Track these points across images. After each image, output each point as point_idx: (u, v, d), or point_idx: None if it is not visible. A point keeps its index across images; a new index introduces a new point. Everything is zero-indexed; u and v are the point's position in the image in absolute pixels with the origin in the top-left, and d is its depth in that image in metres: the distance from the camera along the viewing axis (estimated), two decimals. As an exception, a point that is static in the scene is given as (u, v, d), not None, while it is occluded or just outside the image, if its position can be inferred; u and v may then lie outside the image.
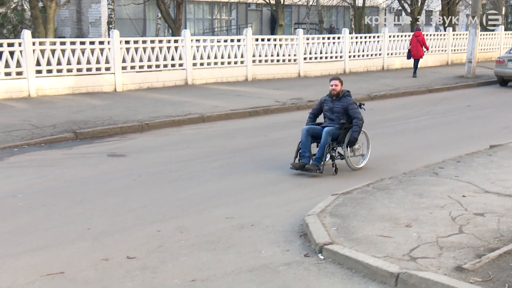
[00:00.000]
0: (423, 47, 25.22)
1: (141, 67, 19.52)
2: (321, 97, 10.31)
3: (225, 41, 22.20)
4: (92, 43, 18.58)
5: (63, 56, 17.72)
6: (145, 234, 6.98)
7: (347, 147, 9.72)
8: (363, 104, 10.33)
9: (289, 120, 15.43)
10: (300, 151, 9.72)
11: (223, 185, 9.08)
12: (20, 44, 16.82)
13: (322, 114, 10.27)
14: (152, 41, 20.11)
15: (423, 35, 26.19)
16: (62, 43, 17.95)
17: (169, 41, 20.50)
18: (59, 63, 17.66)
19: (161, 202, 8.22)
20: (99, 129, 13.24)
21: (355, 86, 21.40)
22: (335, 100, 9.90)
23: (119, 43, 18.78)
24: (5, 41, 17.00)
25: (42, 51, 17.29)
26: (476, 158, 9.80)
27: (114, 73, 18.70)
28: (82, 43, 18.38)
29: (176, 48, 20.42)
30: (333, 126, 9.71)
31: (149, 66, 19.76)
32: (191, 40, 20.80)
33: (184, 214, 7.72)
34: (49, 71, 17.48)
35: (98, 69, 18.47)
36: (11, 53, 16.69)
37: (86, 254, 6.38)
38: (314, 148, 9.89)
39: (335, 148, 9.79)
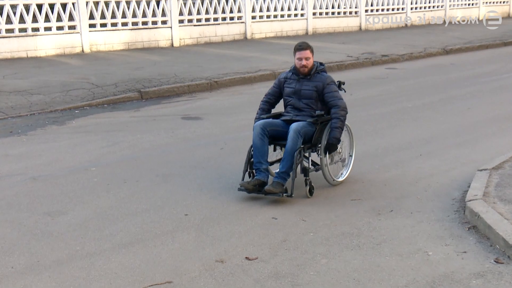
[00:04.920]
0: None
1: (198, 20, 17.75)
2: (281, 74, 6.52)
3: (285, -8, 20.22)
4: (147, -6, 16.84)
5: (118, 9, 16.03)
6: (259, 222, 5.37)
7: (325, 153, 6.10)
8: (343, 84, 6.47)
9: (368, 76, 13.68)
10: (253, 160, 6.04)
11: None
12: (72, -4, 15.16)
13: (282, 99, 6.52)
14: (210, -8, 18.26)
15: None
16: (117, -6, 16.24)
17: (227, -8, 18.63)
18: (113, 16, 15.99)
19: (264, 178, 6.56)
20: (165, 87, 11.62)
21: (425, 39, 19.52)
22: (303, 79, 6.21)
23: (176, -6, 17.01)
24: (56, -7, 15.35)
25: (96, 3, 15.62)
26: None
27: (171, 27, 16.98)
28: (137, -6, 16.66)
29: (234, 0, 18.55)
30: (303, 120, 6.06)
31: (207, 20, 17.98)
32: (250, -9, 18.91)
33: (297, 193, 6.01)
34: (103, 25, 15.81)
35: (154, 22, 16.77)
36: (63, 6, 15.04)
37: (193, 252, 4.78)
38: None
39: (307, 156, 6.17)
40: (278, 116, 6.36)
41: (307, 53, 6.14)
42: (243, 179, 6.00)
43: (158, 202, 5.84)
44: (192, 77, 12.47)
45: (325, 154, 6.06)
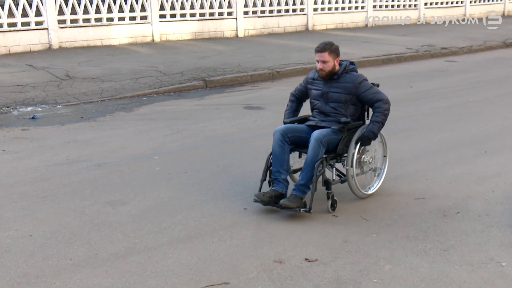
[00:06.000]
0: None
1: (262, 12, 17.24)
2: (310, 72, 5.52)
3: (346, -15, 19.42)
4: (214, -13, 16.40)
5: (186, 0, 15.68)
6: (319, 220, 4.86)
7: (356, 144, 5.06)
8: (377, 86, 5.34)
9: (428, 69, 12.85)
10: (272, 169, 5.13)
11: (392, 149, 6.74)
12: (144, -12, 14.89)
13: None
14: (274, -15, 17.67)
15: None
16: (186, -13, 15.87)
17: (290, -15, 17.98)
18: (182, 7, 15.65)
19: (324, 172, 6.02)
20: (229, 77, 11.18)
21: (484, 32, 18.42)
22: (330, 80, 5.19)
23: (241, -13, 16.51)
24: (129, -15, 15.12)
25: (166, -5, 15.33)
26: None
27: (236, 18, 16.52)
28: (205, -14, 16.26)
29: (297, -8, 17.94)
30: (328, 126, 5.11)
31: (271, 11, 17.44)
32: (312, -16, 18.21)
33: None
34: (173, 15, 15.53)
35: (220, 13, 16.36)
36: (136, -3, 14.82)
37: (251, 249, 4.33)
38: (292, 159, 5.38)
39: (332, 165, 5.22)
40: (304, 120, 5.40)
41: (324, 55, 5.08)
42: (260, 190, 5.08)
43: (217, 194, 5.41)
44: (255, 67, 11.99)
45: (355, 145, 5.04)
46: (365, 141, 5.07)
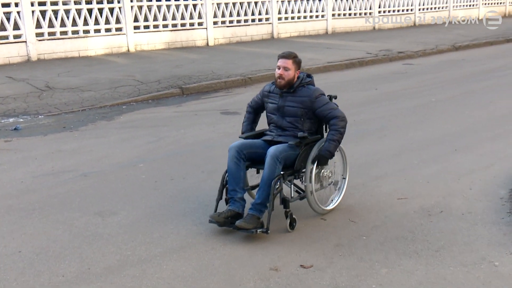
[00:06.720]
0: None
1: (230, 22, 16.83)
2: (266, 85, 4.87)
3: (307, -5, 19.18)
4: (185, -2, 15.93)
5: (159, 12, 15.19)
6: (309, 224, 4.55)
7: (313, 163, 4.49)
8: (335, 97, 4.78)
9: (388, 71, 12.67)
10: (227, 187, 4.51)
11: (367, 150, 6.50)
12: (119, 1, 14.31)
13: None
14: (241, -4, 17.29)
15: None
16: (158, -1, 15.37)
17: (256, -4, 17.63)
18: (155, 19, 15.14)
19: (307, 174, 5.70)
20: (204, 84, 10.77)
21: (434, 37, 18.40)
22: (286, 94, 4.61)
23: (210, -1, 16.09)
24: (104, -2, 14.53)
25: (140, 8, 14.80)
26: None
27: (206, 28, 16.08)
28: (177, -1, 15.78)
29: (262, 3, 17.60)
30: (285, 141, 4.49)
31: (238, 21, 17.05)
32: (277, -5, 17.90)
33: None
34: (146, 26, 14.97)
35: (191, 24, 15.89)
36: (111, 10, 14.23)
37: (245, 258, 3.98)
38: (253, 176, 4.90)
39: (290, 181, 4.54)
40: (260, 135, 4.78)
41: (288, 63, 4.53)
42: (215, 210, 4.44)
43: (205, 201, 5.03)
44: (228, 73, 11.61)
45: (313, 164, 4.48)
46: (322, 160, 4.49)
